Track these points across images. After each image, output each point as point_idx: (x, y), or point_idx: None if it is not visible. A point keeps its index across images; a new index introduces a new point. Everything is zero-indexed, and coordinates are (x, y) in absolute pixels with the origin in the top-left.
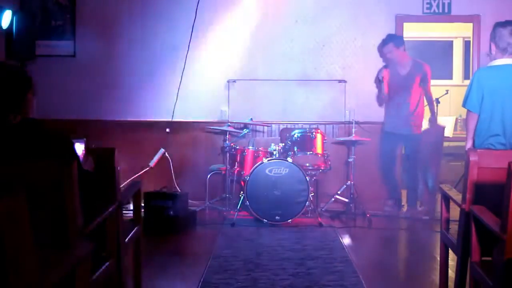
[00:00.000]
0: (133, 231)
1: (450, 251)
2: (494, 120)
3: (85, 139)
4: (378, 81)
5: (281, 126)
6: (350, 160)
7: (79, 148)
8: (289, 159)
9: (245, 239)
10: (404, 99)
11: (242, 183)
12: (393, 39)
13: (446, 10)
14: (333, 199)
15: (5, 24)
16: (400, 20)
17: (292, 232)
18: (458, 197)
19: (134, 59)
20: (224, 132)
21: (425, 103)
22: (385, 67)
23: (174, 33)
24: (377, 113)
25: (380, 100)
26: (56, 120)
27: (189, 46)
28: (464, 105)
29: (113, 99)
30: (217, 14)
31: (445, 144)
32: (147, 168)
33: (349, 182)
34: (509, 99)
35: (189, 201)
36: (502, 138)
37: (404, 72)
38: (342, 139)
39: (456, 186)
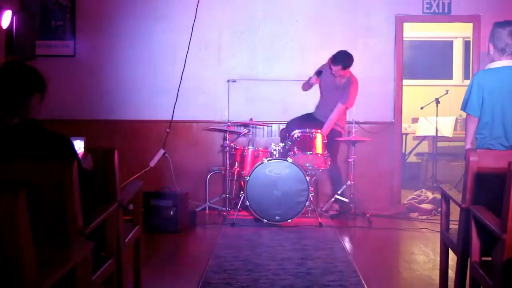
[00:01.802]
0: (133, 231)
1: (450, 251)
2: (496, 123)
3: (84, 137)
4: (308, 85)
5: (281, 126)
6: (350, 160)
7: (79, 146)
8: (289, 159)
9: (245, 239)
10: (335, 106)
11: (242, 183)
12: (343, 62)
13: (446, 10)
14: (333, 199)
15: (5, 24)
16: (400, 20)
17: (292, 232)
18: (458, 197)
19: (134, 59)
20: (224, 132)
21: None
22: (319, 74)
23: (174, 33)
24: (377, 113)
25: (306, 86)
26: (56, 120)
27: (189, 46)
28: (464, 109)
29: (113, 99)
30: (217, 14)
31: (445, 144)
32: (147, 168)
33: (349, 182)
34: (509, 102)
35: (189, 201)
36: (504, 140)
37: (340, 84)
38: (342, 139)
39: (456, 186)
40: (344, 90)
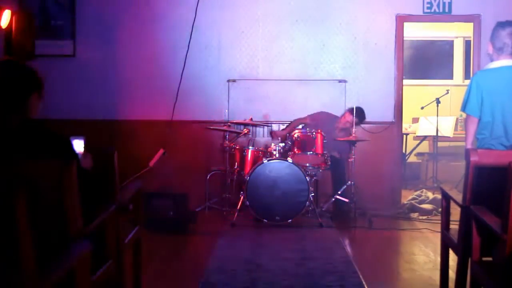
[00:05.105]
0: (133, 231)
1: (451, 251)
2: (496, 123)
3: (84, 137)
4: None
5: (281, 126)
6: (350, 160)
7: (79, 145)
8: (289, 159)
9: (245, 239)
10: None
11: (242, 183)
12: (360, 118)
13: (446, 10)
14: (333, 199)
15: (4, 24)
16: (401, 20)
17: (292, 232)
18: (458, 197)
19: (134, 59)
20: (224, 132)
21: None
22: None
23: (174, 33)
24: (378, 113)
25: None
26: (56, 120)
27: (189, 46)
28: (463, 110)
29: (113, 99)
30: (217, 14)
31: (446, 144)
32: (147, 168)
33: (349, 182)
34: (509, 101)
35: (189, 201)
36: (504, 140)
37: (337, 135)
38: (342, 139)
39: (456, 186)
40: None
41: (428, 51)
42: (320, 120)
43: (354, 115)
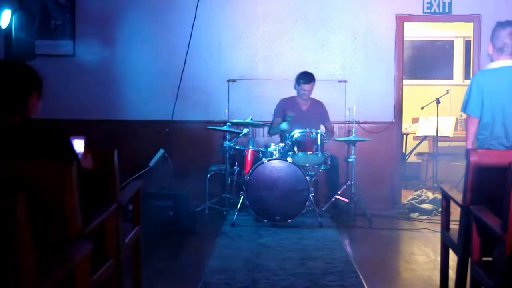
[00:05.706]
0: (133, 231)
1: (451, 251)
2: (496, 123)
3: (84, 137)
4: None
5: None
6: (350, 160)
7: (79, 145)
8: (289, 159)
9: (245, 239)
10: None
11: (242, 183)
12: (313, 78)
13: (446, 10)
14: (333, 199)
15: (4, 24)
16: (401, 19)
17: (292, 232)
18: (458, 197)
19: (134, 58)
20: (224, 132)
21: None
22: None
23: (174, 33)
24: (378, 113)
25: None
26: (56, 120)
27: (189, 46)
28: (464, 110)
29: (113, 99)
30: (217, 14)
31: (446, 144)
32: (147, 168)
33: (349, 182)
34: (509, 102)
35: (189, 201)
36: (504, 141)
37: (304, 108)
38: (342, 139)
39: (456, 186)
40: (318, 114)
41: (428, 51)
42: (284, 109)
43: (303, 79)
